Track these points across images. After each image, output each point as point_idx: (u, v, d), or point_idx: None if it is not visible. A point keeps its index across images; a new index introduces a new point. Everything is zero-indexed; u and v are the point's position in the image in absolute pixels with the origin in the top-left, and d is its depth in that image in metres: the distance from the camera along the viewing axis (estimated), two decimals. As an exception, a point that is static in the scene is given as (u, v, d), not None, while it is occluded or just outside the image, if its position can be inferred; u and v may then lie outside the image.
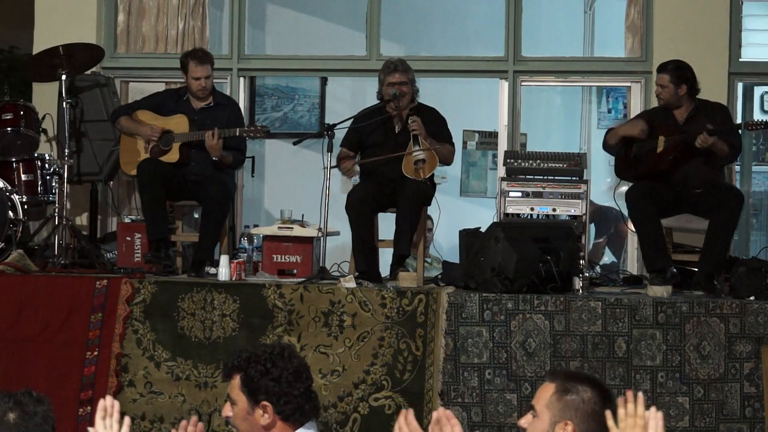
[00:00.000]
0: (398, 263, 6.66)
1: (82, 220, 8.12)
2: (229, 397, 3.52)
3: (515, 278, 6.17)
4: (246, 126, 7.10)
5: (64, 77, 7.29)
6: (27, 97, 8.35)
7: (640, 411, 2.93)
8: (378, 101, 7.02)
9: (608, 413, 2.99)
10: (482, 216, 8.23)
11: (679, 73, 6.72)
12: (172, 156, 6.96)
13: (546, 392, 3.31)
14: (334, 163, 6.76)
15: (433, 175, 7.01)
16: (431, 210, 7.03)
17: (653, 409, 2.95)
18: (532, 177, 6.98)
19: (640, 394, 2.95)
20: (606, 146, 7.01)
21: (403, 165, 6.71)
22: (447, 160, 6.99)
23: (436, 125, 6.94)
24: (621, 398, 2.97)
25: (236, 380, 3.48)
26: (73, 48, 7.49)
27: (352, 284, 6.31)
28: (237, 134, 6.89)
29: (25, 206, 7.25)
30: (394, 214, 6.96)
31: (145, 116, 7.11)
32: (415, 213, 6.70)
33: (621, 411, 2.95)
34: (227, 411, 3.53)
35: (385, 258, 6.91)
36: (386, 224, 7.07)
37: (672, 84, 6.70)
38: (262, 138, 7.42)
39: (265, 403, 3.43)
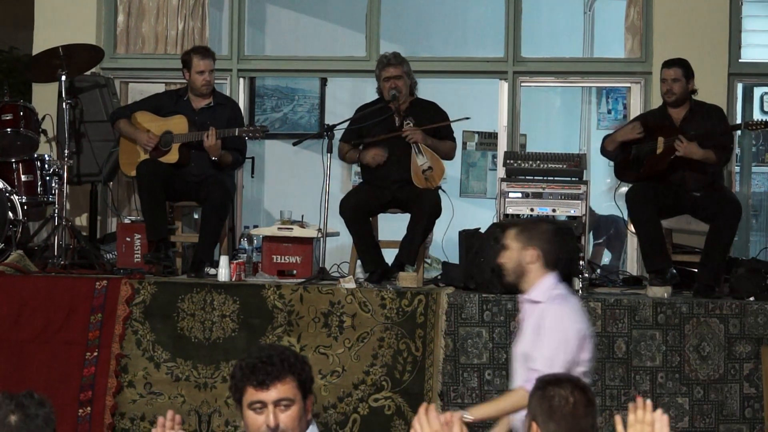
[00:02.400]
0: (398, 268, 6.64)
1: (82, 220, 8.11)
2: (281, 402, 3.29)
3: (515, 279, 6.16)
4: (245, 126, 7.10)
5: (63, 78, 7.29)
6: (27, 97, 8.35)
7: (649, 418, 2.94)
8: (378, 97, 7.02)
9: (618, 418, 2.99)
10: (482, 217, 8.22)
11: (688, 68, 6.76)
12: (172, 157, 6.95)
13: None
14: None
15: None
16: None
17: (659, 411, 2.96)
18: (531, 178, 6.98)
19: (649, 401, 2.96)
20: (604, 152, 7.02)
21: (412, 177, 6.72)
22: (448, 157, 6.99)
23: (436, 120, 6.92)
24: (632, 404, 2.98)
25: (292, 382, 3.31)
26: (73, 49, 7.49)
27: (352, 285, 6.31)
28: (236, 134, 6.89)
29: (25, 207, 7.24)
30: (395, 215, 6.97)
31: (145, 117, 7.10)
32: (429, 226, 6.73)
33: (631, 416, 2.96)
34: (279, 418, 3.29)
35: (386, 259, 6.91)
36: (387, 225, 7.08)
37: (684, 78, 6.73)
38: (261, 138, 7.41)
39: (311, 395, 3.41)
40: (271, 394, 3.28)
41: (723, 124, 6.82)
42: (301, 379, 3.33)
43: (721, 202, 6.55)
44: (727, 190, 6.92)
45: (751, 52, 8.26)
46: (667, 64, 6.83)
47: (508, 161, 7.11)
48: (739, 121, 7.94)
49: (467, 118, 6.99)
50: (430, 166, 6.70)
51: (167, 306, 6.37)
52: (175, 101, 7.17)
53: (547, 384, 3.19)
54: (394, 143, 6.86)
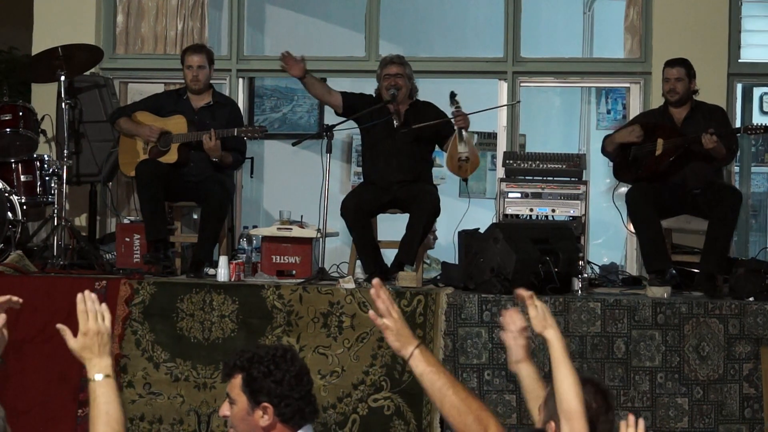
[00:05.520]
0: (397, 268, 6.64)
1: (81, 221, 8.11)
2: (228, 396, 3.48)
3: (514, 279, 6.16)
4: (244, 126, 7.10)
5: (63, 78, 7.28)
6: (26, 97, 8.34)
7: None
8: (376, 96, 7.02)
9: (623, 424, 2.99)
10: (481, 217, 8.22)
11: (691, 68, 6.78)
12: (171, 157, 6.96)
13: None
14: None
15: (431, 176, 7.04)
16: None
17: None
18: (531, 178, 6.98)
19: (642, 420, 2.96)
20: (604, 152, 7.04)
21: (446, 160, 6.72)
22: None
23: (436, 119, 6.92)
24: (623, 422, 2.99)
25: (237, 380, 3.44)
26: (72, 49, 7.48)
27: (351, 285, 6.31)
28: (234, 134, 6.89)
29: (24, 207, 7.24)
30: (395, 215, 6.97)
31: (144, 117, 7.11)
32: (428, 226, 6.73)
33: None
34: (225, 410, 3.49)
35: (386, 259, 6.90)
36: (387, 225, 7.07)
37: (687, 77, 6.75)
38: (260, 138, 7.41)
39: (265, 404, 3.41)
40: (227, 387, 3.49)
41: (727, 126, 6.83)
42: (248, 383, 3.42)
43: (721, 193, 6.58)
44: (726, 183, 6.94)
45: (751, 53, 8.26)
46: (671, 63, 6.84)
47: (507, 161, 7.11)
48: (738, 123, 7.94)
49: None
50: (468, 156, 6.68)
51: (166, 306, 6.37)
52: (175, 101, 7.17)
53: None
54: (393, 144, 6.86)
